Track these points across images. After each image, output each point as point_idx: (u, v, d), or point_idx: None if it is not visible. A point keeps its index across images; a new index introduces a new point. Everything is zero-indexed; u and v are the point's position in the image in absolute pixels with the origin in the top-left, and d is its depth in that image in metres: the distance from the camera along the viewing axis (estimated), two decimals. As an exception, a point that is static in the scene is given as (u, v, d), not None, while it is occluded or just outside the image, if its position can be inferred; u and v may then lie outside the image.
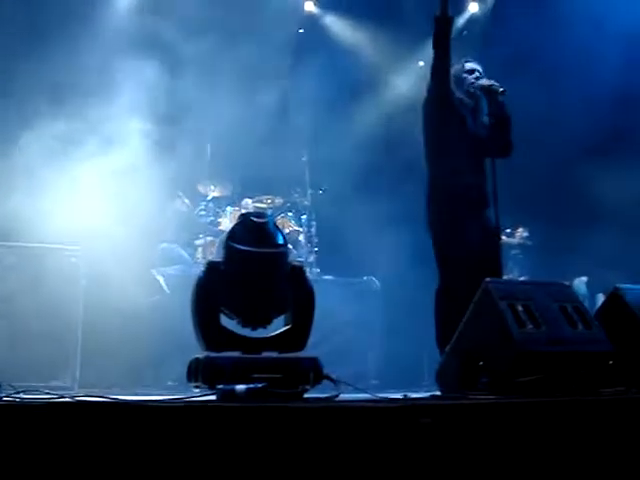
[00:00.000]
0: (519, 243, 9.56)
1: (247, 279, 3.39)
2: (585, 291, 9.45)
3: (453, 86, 4.89)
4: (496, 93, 4.83)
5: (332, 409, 2.65)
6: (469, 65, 5.04)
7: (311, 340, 3.67)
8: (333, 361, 6.52)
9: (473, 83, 4.95)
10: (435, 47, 4.80)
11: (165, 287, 6.82)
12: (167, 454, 2.33)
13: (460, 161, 4.84)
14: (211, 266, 3.47)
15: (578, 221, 8.81)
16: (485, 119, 5.02)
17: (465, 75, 4.97)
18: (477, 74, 4.99)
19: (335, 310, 7.05)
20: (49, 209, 5.94)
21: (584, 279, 9.49)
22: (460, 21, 9.81)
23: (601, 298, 8.86)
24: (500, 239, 4.80)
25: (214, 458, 2.36)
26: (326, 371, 3.45)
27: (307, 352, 3.62)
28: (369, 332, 7.42)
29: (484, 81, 4.93)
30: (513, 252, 9.47)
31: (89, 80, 7.02)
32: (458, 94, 4.91)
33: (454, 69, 4.93)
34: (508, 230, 9.30)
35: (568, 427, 2.87)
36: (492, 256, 4.71)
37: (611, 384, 3.51)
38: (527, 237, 9.60)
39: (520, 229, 9.59)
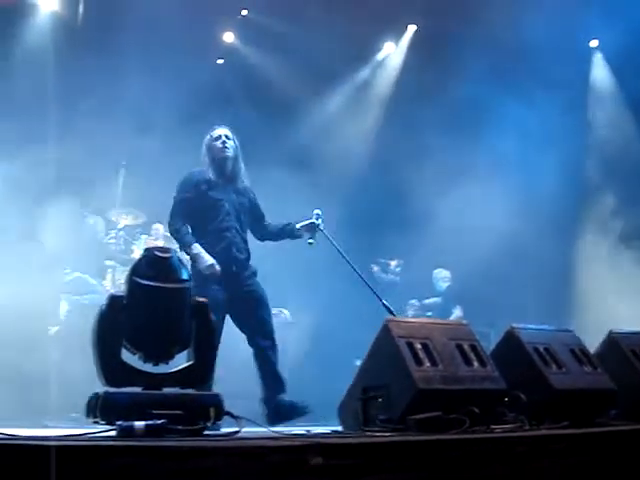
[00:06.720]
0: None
1: (149, 314, 3.36)
2: (443, 288, 9.66)
3: (204, 157, 5.38)
4: None
5: (227, 448, 2.65)
6: (216, 132, 5.50)
7: (218, 373, 3.66)
8: (242, 394, 6.57)
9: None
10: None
11: (62, 317, 6.74)
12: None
13: None
14: (114, 300, 3.42)
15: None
16: None
17: (214, 143, 5.47)
18: (224, 138, 5.46)
19: (244, 342, 7.04)
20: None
21: (445, 272, 9.70)
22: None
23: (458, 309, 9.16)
24: None
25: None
26: (235, 405, 3.43)
27: (214, 387, 3.60)
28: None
29: None
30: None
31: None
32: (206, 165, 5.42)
33: (205, 140, 5.45)
34: (382, 260, 9.58)
35: (460, 463, 2.95)
36: None
37: (503, 421, 3.64)
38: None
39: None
